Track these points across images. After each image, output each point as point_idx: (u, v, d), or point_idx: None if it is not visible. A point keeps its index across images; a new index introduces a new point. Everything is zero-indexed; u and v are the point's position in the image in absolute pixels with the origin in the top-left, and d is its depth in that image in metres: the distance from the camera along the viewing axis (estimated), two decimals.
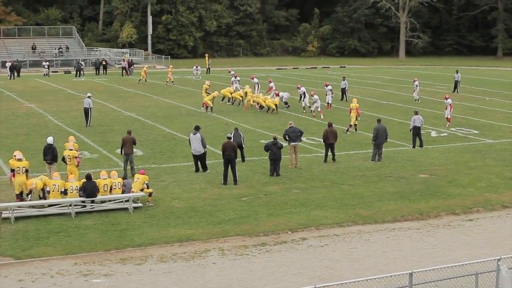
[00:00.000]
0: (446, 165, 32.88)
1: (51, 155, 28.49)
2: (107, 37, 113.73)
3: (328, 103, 51.66)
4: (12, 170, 25.87)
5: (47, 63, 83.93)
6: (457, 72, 65.55)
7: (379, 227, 23.79)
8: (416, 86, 57.02)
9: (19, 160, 26.00)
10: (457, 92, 63.27)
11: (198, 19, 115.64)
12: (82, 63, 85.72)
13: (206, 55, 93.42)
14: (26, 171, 25.86)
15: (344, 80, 57.56)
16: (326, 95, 51.81)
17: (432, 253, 21.13)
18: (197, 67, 78.66)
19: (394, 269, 18.41)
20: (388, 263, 20.05)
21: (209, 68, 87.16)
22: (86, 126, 42.86)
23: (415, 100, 56.07)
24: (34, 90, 64.46)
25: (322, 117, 46.31)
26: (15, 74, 78.42)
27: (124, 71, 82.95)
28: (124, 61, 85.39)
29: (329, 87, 52.37)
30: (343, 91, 56.88)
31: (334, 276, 18.82)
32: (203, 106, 50.12)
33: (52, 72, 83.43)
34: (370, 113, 47.53)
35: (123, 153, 30.57)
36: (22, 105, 53.77)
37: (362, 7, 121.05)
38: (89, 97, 44.23)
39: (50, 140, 28.90)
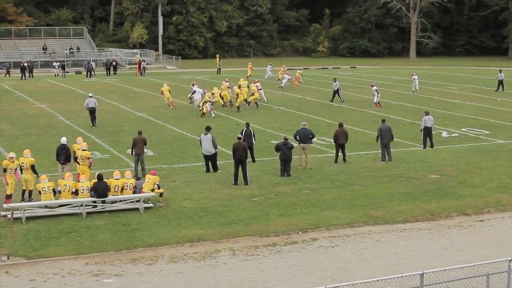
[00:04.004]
0: (457, 166, 32.82)
1: (64, 155, 28.44)
2: (117, 38, 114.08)
3: (376, 102, 52.52)
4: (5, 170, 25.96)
5: (58, 63, 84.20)
6: (500, 71, 66.54)
7: (390, 228, 23.76)
8: (414, 79, 62.22)
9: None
10: (502, 90, 64.55)
11: (208, 20, 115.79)
12: (93, 63, 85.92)
13: (217, 55, 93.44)
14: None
15: (335, 82, 57.14)
16: (373, 95, 52.89)
17: (443, 254, 21.08)
18: (270, 65, 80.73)
19: (405, 270, 18.38)
20: (399, 264, 20.02)
21: (219, 69, 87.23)
22: (93, 126, 43.26)
23: (413, 91, 61.24)
24: (45, 91, 64.67)
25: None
26: (27, 74, 78.62)
27: (144, 71, 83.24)
28: (144, 62, 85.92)
29: (375, 87, 53.40)
30: (336, 92, 56.56)
31: (344, 277, 18.80)
32: (169, 105, 51.61)
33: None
34: (381, 114, 47.43)
35: (133, 153, 30.63)
36: (33, 105, 53.93)
37: (373, 8, 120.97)
38: (91, 96, 44.87)
39: (63, 140, 28.89)
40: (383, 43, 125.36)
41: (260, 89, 54.91)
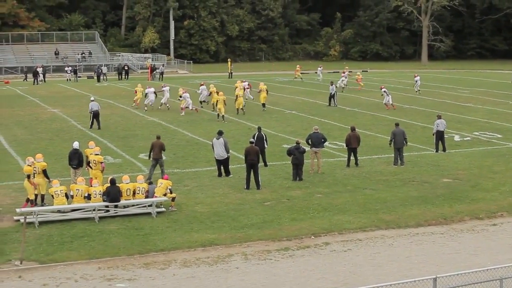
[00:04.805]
0: (469, 170, 32.72)
1: (77, 160, 28.50)
2: (129, 42, 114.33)
3: (391, 104, 53.78)
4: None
5: (70, 68, 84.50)
6: None
7: (402, 232, 23.70)
8: (417, 81, 66.07)
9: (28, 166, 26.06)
10: None
11: (220, 24, 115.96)
12: (104, 68, 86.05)
13: (229, 60, 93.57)
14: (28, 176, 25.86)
15: (331, 85, 57.04)
16: (384, 96, 54.33)
17: (456, 258, 21.02)
18: (320, 67, 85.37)
19: (417, 274, 18.35)
20: (412, 268, 19.97)
21: (231, 73, 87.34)
22: (99, 128, 44.00)
23: (416, 91, 65.50)
24: (57, 95, 64.88)
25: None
26: (40, 79, 78.95)
27: (161, 76, 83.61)
28: (162, 66, 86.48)
29: (384, 89, 55.09)
30: (332, 96, 56.49)
31: (357, 281, 18.76)
32: (135, 103, 55.07)
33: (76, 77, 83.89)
34: (393, 117, 47.34)
35: (151, 157, 30.73)
36: (46, 110, 54.11)
37: (384, 11, 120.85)
38: (93, 100, 45.79)
39: (76, 145, 28.95)
40: (394, 47, 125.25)
41: (248, 88, 58.67)
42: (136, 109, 53.53)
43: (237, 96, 51.37)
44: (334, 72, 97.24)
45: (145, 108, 53.17)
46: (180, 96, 52.44)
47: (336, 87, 62.81)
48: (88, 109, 45.67)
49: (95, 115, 44.63)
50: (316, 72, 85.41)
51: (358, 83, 69.45)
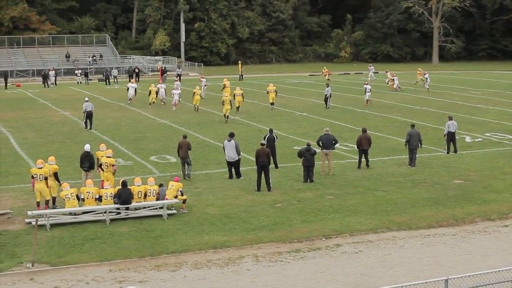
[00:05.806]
0: (481, 171, 32.63)
1: (88, 162, 28.55)
2: (140, 45, 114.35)
3: (368, 100, 57.02)
4: (33, 177, 26.10)
5: (80, 71, 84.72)
6: None
7: (413, 233, 23.66)
8: (427, 78, 69.26)
9: (40, 168, 26.07)
10: None
11: (230, 26, 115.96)
12: (115, 70, 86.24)
13: (239, 62, 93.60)
14: (46, 178, 25.90)
15: (327, 87, 56.82)
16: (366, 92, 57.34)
17: (468, 260, 20.98)
18: (371, 67, 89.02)
19: (429, 276, 18.31)
20: (423, 270, 19.94)
21: (242, 75, 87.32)
22: (90, 129, 45.00)
23: (427, 89, 68.34)
24: (68, 98, 65.01)
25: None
26: (50, 82, 79.22)
27: (179, 77, 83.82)
28: (179, 69, 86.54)
29: (368, 86, 57.77)
30: (326, 98, 56.27)
31: (368, 283, 18.76)
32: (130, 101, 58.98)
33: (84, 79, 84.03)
34: (404, 119, 47.33)
35: (179, 156, 31.30)
36: (57, 113, 54.23)
37: (395, 13, 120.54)
38: (87, 101, 46.67)
39: (87, 147, 28.99)
40: (405, 48, 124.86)
41: (205, 85, 63.63)
42: (148, 111, 53.72)
43: (234, 95, 52.84)
44: (344, 73, 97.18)
45: (128, 102, 58.15)
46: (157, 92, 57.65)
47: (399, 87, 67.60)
48: (82, 109, 46.55)
49: (89, 115, 45.62)
50: (370, 73, 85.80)
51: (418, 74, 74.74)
